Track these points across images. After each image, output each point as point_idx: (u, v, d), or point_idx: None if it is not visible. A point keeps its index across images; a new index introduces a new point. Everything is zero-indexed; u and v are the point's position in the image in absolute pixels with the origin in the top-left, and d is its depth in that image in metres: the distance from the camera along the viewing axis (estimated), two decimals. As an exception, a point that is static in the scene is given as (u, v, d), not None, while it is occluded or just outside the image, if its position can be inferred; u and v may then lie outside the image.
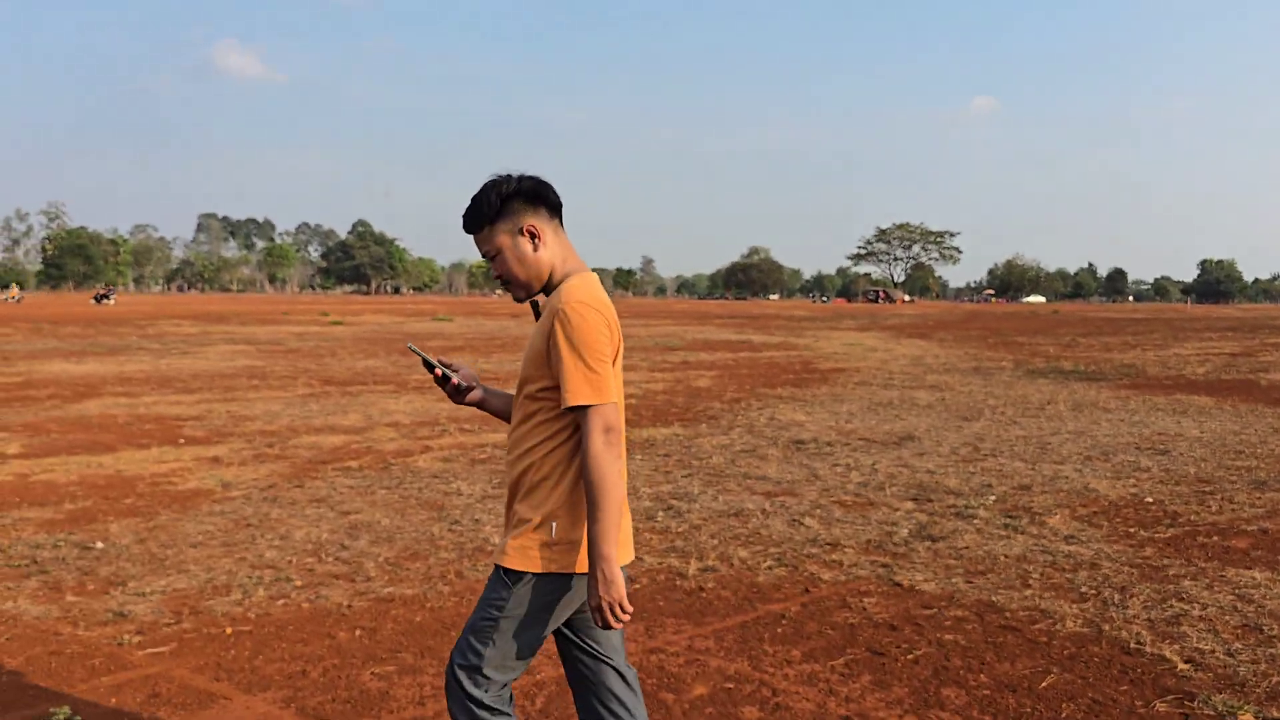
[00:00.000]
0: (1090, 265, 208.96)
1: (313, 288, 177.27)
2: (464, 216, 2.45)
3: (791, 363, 20.70)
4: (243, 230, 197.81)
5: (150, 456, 8.76)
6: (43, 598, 4.91)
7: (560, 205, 2.47)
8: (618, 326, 2.38)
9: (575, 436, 2.31)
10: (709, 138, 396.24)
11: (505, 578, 2.34)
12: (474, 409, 3.13)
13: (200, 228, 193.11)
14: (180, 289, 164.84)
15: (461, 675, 2.37)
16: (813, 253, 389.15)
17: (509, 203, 2.40)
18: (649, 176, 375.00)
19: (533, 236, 2.40)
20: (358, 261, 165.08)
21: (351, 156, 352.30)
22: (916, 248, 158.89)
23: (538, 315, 2.44)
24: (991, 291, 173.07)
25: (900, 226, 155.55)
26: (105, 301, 58.70)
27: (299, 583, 5.17)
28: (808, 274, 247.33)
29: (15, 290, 65.68)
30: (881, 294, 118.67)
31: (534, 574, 2.31)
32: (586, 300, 2.29)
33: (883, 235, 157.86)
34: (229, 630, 4.48)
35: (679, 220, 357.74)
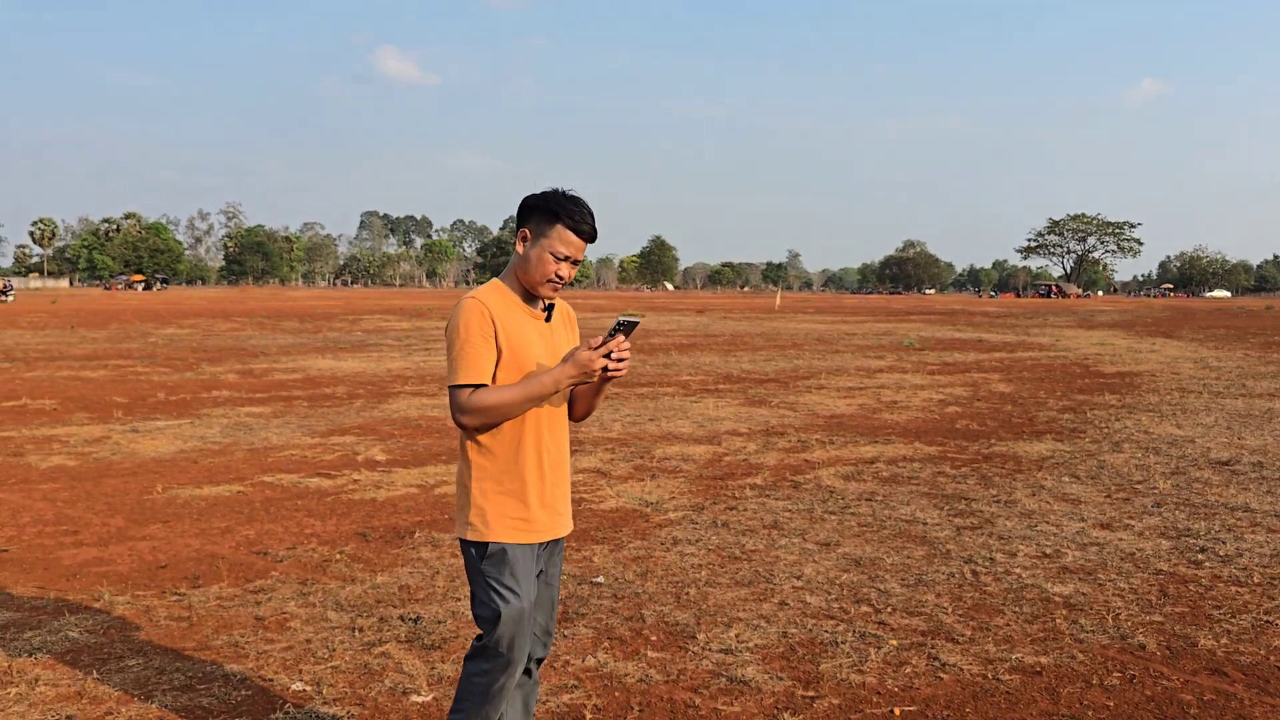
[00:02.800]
0: (1276, 257, 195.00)
1: (467, 283, 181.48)
2: (594, 231, 2.77)
3: (1064, 364, 19.12)
4: (402, 227, 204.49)
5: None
6: (620, 652, 4.21)
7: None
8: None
9: None
10: (854, 130, 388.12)
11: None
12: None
13: (363, 225, 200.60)
14: (345, 283, 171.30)
15: None
16: (964, 245, 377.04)
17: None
18: (792, 170, 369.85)
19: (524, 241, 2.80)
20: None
21: (503, 155, 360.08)
22: (1092, 239, 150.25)
23: (548, 314, 2.80)
24: (1170, 286, 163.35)
25: (1075, 217, 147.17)
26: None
27: (895, 642, 4.33)
28: (960, 267, 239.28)
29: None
30: (1054, 289, 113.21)
31: None
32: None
33: (1055, 227, 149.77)
34: (896, 712, 3.66)
35: (824, 214, 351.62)
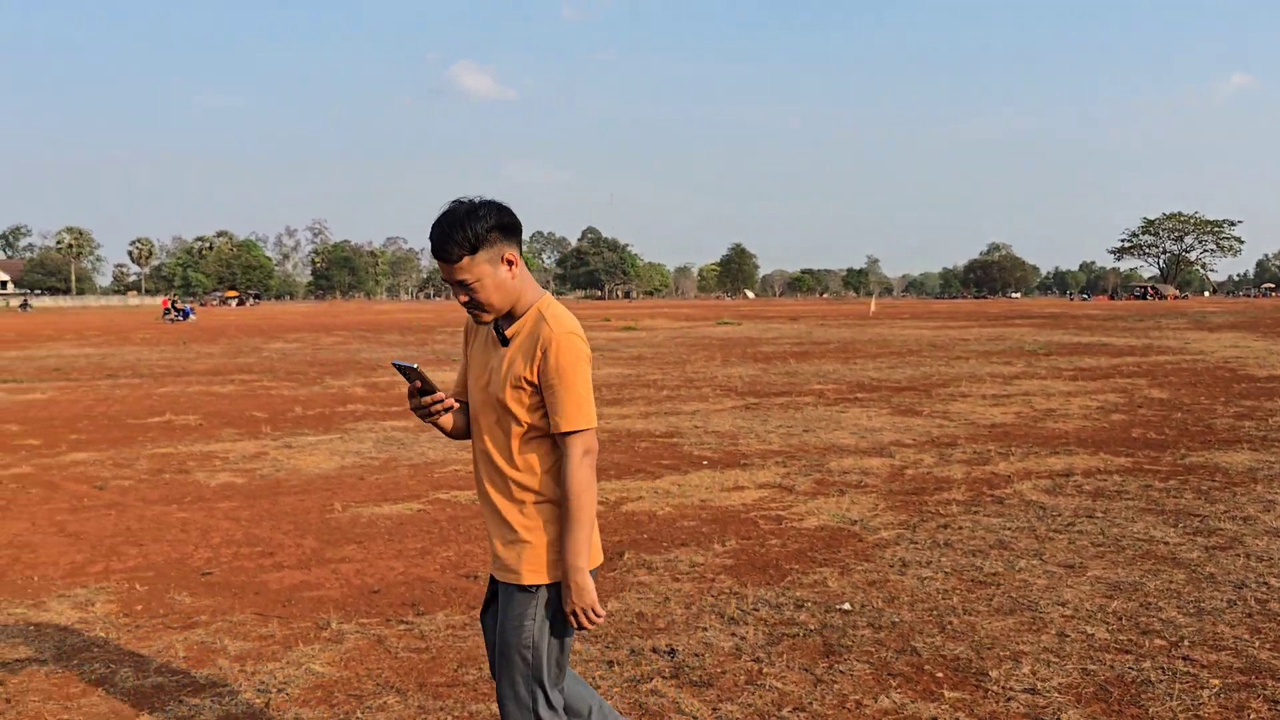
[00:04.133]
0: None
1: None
2: (440, 244, 2.42)
3: (1208, 368, 18.14)
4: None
5: (706, 480, 7.83)
6: (912, 691, 3.81)
7: (521, 232, 2.53)
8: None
9: (559, 456, 2.46)
10: (931, 132, 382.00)
11: (526, 590, 2.48)
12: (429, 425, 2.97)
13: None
14: (428, 296, 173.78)
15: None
16: (1047, 248, 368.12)
17: (491, 233, 2.43)
18: (870, 175, 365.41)
19: (510, 265, 2.47)
20: (592, 268, 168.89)
21: (578, 166, 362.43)
22: (1189, 239, 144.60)
23: (501, 336, 2.51)
24: (1271, 285, 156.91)
25: (1170, 216, 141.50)
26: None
27: (1217, 682, 3.85)
28: (1045, 270, 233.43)
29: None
30: (1150, 290, 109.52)
31: (547, 585, 2.47)
32: (573, 330, 2.43)
33: (1149, 226, 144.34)
34: (1273, 768, 3.19)
35: (903, 218, 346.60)
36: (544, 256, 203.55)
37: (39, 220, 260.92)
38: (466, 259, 2.41)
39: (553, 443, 2.47)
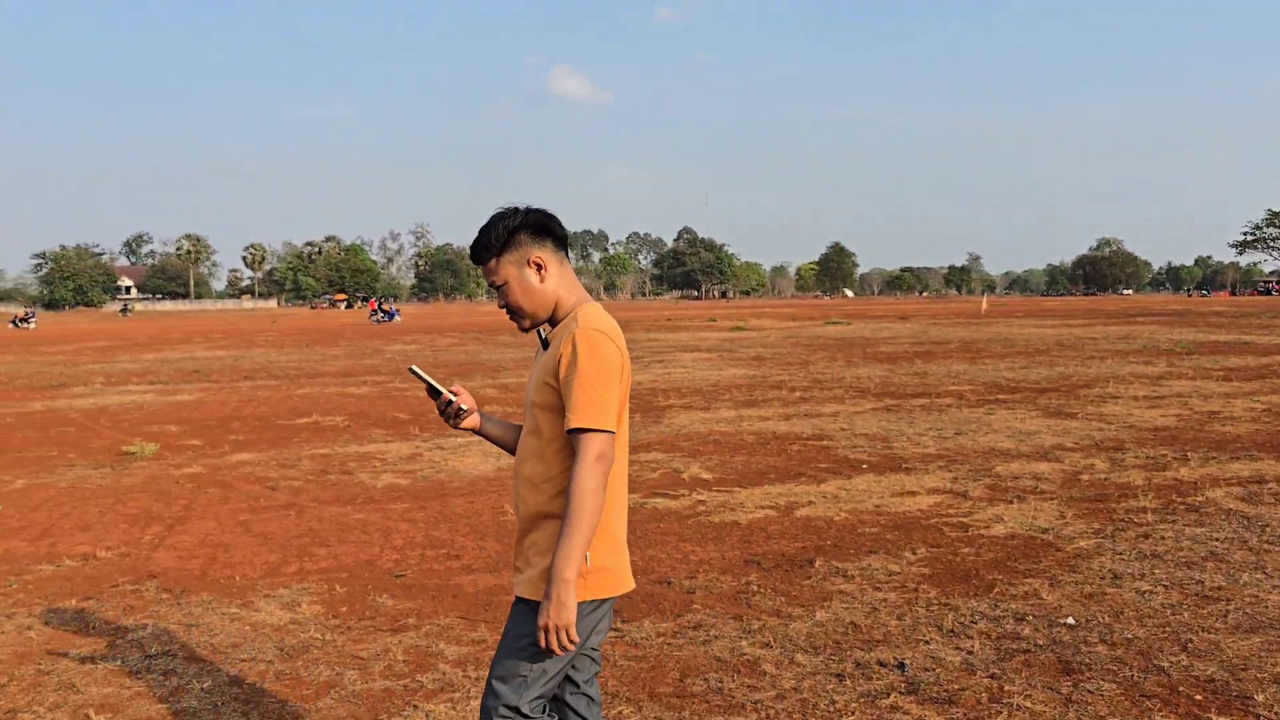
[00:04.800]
0: None
1: (643, 294, 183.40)
2: (471, 248, 2.46)
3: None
4: (578, 242, 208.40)
5: (871, 485, 7.63)
6: (1174, 715, 3.59)
7: (566, 237, 2.50)
8: (628, 358, 2.40)
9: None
10: (1033, 125, 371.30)
11: (525, 605, 2.35)
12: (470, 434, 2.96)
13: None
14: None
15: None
16: (1158, 243, 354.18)
17: (515, 235, 2.42)
18: (969, 170, 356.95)
19: (539, 268, 2.41)
20: (689, 268, 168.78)
21: (673, 167, 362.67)
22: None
23: (544, 344, 2.45)
24: None
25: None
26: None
27: None
28: (1156, 265, 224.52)
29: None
30: (1276, 286, 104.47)
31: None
32: (601, 328, 2.33)
33: (1274, 219, 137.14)
34: None
35: (1004, 214, 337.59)
36: (640, 257, 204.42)
37: (159, 228, 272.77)
38: (494, 261, 2.42)
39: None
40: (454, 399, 2.55)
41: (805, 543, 6.05)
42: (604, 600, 2.39)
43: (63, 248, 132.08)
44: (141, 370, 21.03)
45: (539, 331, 2.49)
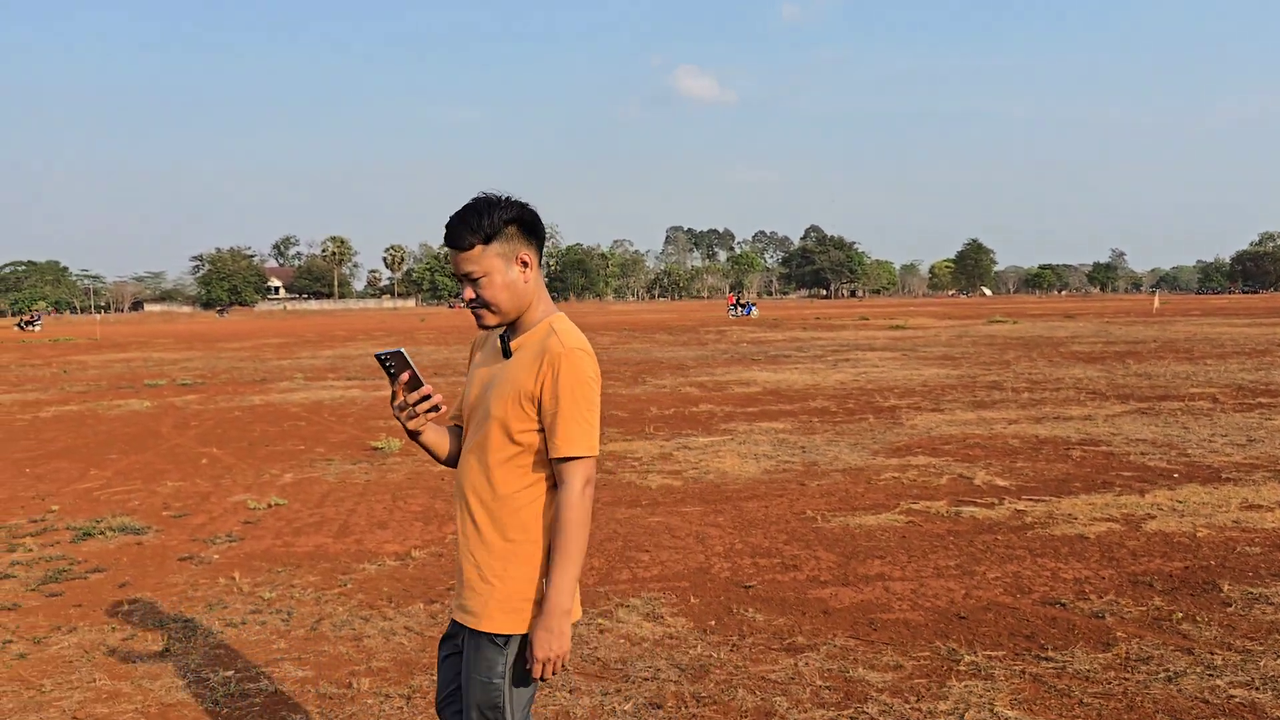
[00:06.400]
0: None
1: (769, 293, 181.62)
2: (452, 229, 2.25)
3: None
4: (705, 241, 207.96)
5: (1205, 496, 6.91)
6: None
7: (544, 241, 2.36)
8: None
9: (547, 490, 2.27)
10: (1179, 116, 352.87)
11: (495, 642, 2.24)
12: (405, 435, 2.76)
13: (668, 240, 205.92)
14: (653, 297, 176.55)
15: None
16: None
17: (508, 227, 2.26)
18: (1111, 165, 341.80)
19: (524, 266, 2.29)
20: (817, 266, 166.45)
21: (799, 165, 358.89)
22: None
23: (505, 348, 2.31)
24: None
25: None
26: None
27: None
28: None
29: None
30: None
31: (521, 636, 2.25)
32: (583, 347, 2.25)
33: None
34: None
35: (1149, 210, 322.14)
36: (767, 256, 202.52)
37: (304, 230, 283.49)
38: (479, 248, 2.25)
39: (544, 474, 2.26)
40: (432, 394, 2.30)
41: (1185, 563, 5.42)
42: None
43: (218, 250, 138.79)
44: (328, 366, 21.52)
45: (502, 335, 2.34)
